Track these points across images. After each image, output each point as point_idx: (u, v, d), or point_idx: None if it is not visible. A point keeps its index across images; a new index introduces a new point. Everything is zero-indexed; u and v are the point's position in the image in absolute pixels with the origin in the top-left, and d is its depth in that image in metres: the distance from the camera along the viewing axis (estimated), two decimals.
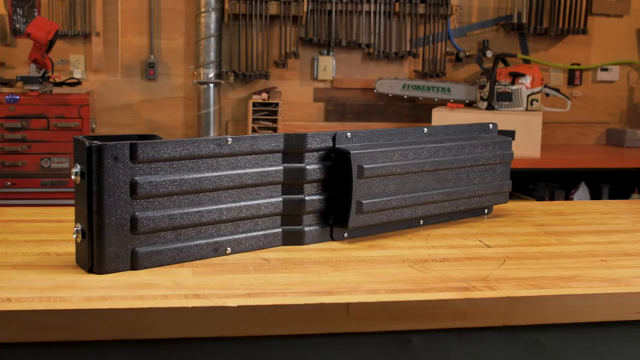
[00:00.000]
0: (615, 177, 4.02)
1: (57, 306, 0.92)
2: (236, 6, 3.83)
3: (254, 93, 3.90)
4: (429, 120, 3.83)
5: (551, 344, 1.04)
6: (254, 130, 3.82)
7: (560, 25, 4.11)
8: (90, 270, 1.06)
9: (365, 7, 3.96)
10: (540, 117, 3.66)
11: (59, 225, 1.33)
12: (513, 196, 3.92)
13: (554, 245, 1.28)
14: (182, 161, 1.11)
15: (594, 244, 1.30)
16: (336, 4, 3.92)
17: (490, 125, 1.52)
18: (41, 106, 3.39)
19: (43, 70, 3.41)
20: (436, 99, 3.98)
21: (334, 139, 1.26)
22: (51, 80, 3.48)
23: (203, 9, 3.78)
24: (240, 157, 1.17)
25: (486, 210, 1.51)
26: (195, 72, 3.85)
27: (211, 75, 3.83)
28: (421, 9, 4.01)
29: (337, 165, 1.26)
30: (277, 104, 3.83)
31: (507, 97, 3.73)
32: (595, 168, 3.80)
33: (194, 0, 3.84)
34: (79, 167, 1.06)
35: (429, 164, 1.35)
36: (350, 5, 3.94)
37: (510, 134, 3.63)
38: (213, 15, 3.79)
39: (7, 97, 3.34)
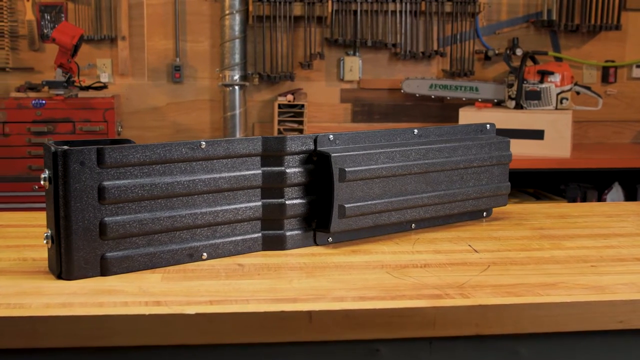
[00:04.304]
0: None
1: (14, 313, 0.91)
2: (260, 8, 3.82)
3: (280, 95, 3.89)
4: (456, 120, 3.76)
5: (528, 355, 0.99)
6: (279, 132, 3.80)
7: (593, 22, 4.00)
8: (60, 276, 1.05)
9: (391, 7, 3.91)
10: (569, 116, 3.57)
11: (44, 231, 1.32)
12: (543, 197, 3.83)
13: (546, 249, 1.23)
14: (153, 165, 1.09)
15: (589, 248, 1.25)
16: (361, 3, 3.88)
17: (488, 125, 1.47)
18: (67, 110, 3.43)
19: (68, 75, 3.45)
20: (464, 99, 3.91)
21: (315, 141, 1.23)
22: (76, 84, 3.52)
23: (227, 12, 3.78)
24: (215, 160, 1.15)
25: (485, 213, 1.47)
26: (220, 75, 3.85)
27: (236, 77, 3.83)
28: (448, 7, 3.94)
29: (319, 169, 1.23)
30: (302, 106, 3.81)
31: (535, 95, 3.64)
32: (630, 168, 3.69)
33: (219, 3, 3.84)
34: (47, 172, 1.05)
35: (418, 167, 1.31)
36: (375, 4, 3.89)
37: (539, 134, 3.55)
38: (237, 18, 3.79)
39: (33, 101, 3.39)
